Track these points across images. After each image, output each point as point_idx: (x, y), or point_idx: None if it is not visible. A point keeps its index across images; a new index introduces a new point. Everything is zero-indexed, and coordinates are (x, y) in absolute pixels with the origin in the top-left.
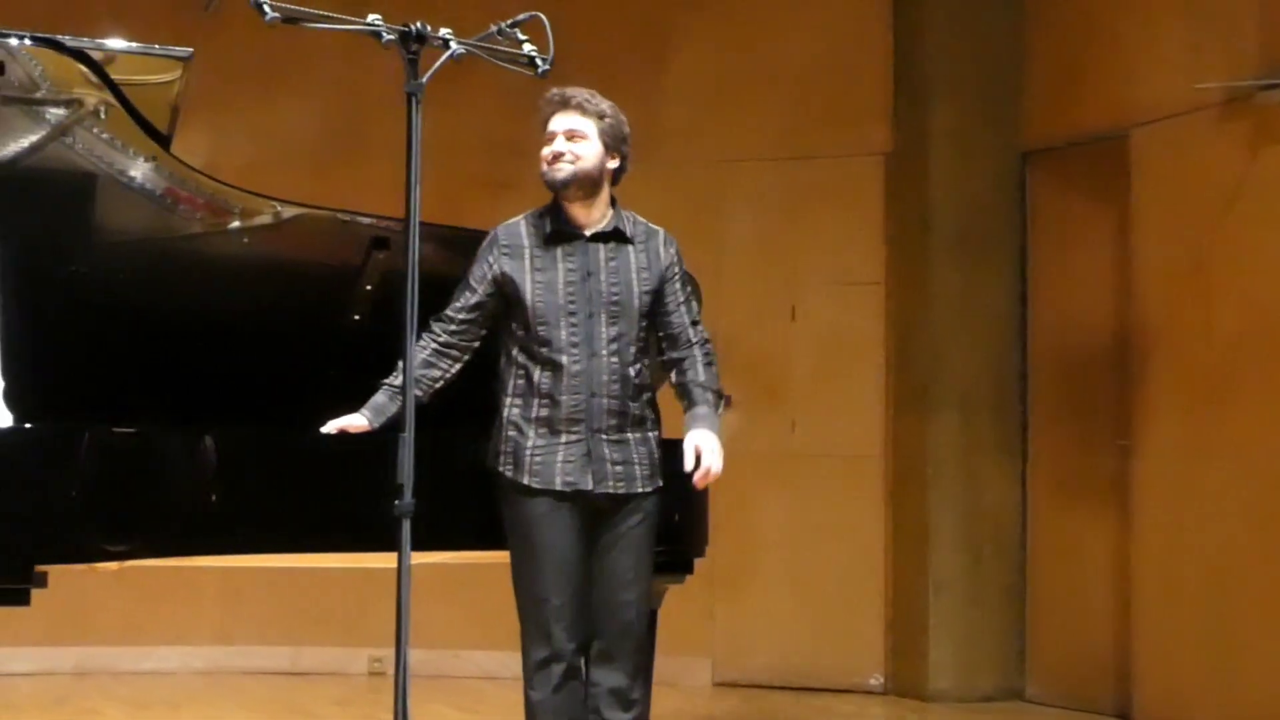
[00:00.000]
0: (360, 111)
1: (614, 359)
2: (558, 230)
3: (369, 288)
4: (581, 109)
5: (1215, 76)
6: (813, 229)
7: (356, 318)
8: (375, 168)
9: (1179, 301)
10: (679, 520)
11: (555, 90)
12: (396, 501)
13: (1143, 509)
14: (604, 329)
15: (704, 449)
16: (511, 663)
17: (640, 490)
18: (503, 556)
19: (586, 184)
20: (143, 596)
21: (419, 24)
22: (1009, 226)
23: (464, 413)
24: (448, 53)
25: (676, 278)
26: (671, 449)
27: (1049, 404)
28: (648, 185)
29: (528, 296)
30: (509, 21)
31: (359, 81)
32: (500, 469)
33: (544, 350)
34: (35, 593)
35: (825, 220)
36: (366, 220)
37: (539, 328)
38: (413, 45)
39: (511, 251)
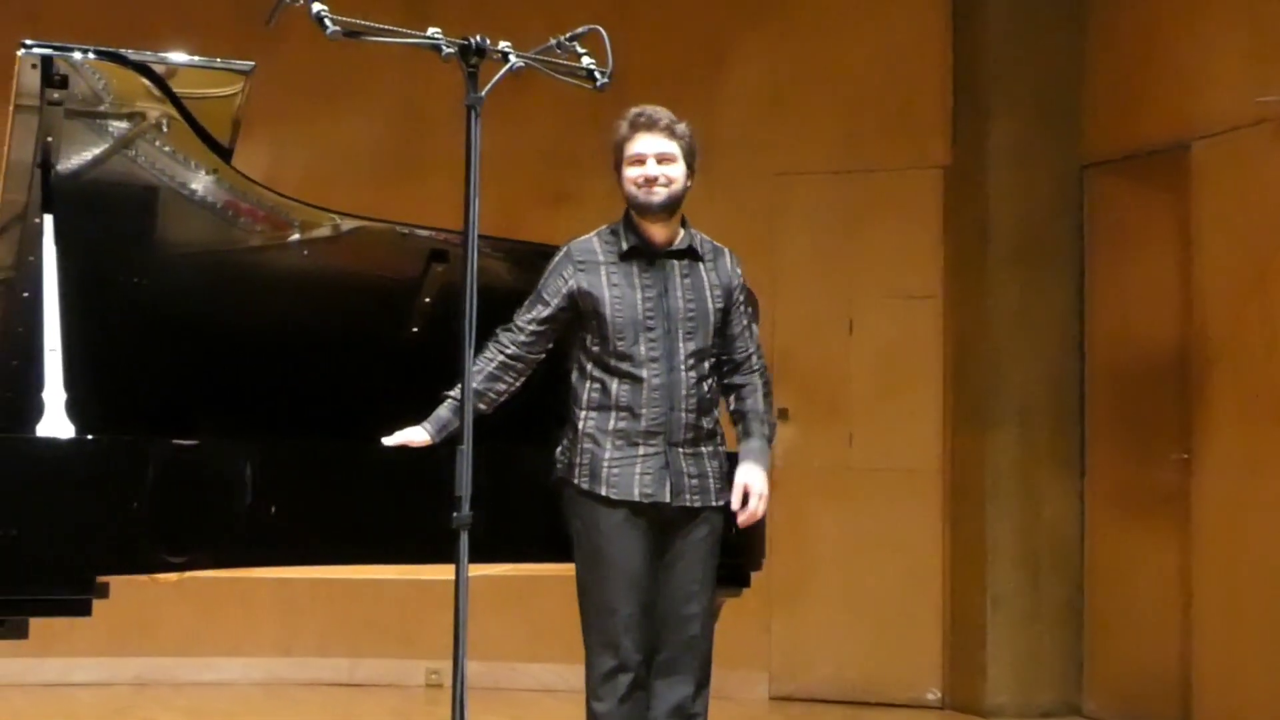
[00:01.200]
0: (419, 124)
1: (691, 373)
2: (635, 247)
3: (427, 300)
4: (670, 132)
5: (1277, 90)
6: (871, 242)
7: (415, 330)
8: (434, 180)
9: (1240, 314)
10: (736, 533)
11: (638, 111)
12: (455, 514)
13: (1203, 523)
14: (681, 344)
15: (753, 490)
16: (569, 675)
17: (714, 503)
18: (561, 569)
19: (675, 205)
20: (202, 608)
21: (479, 37)
22: (1068, 239)
23: (522, 425)
24: (507, 66)
25: (742, 298)
26: (734, 462)
27: (1108, 417)
28: (705, 198)
29: (607, 311)
30: (568, 35)
31: (418, 95)
32: (575, 480)
33: (624, 365)
34: (96, 603)
35: (883, 234)
36: (425, 233)
37: (618, 343)
38: (472, 59)
39: (587, 267)
